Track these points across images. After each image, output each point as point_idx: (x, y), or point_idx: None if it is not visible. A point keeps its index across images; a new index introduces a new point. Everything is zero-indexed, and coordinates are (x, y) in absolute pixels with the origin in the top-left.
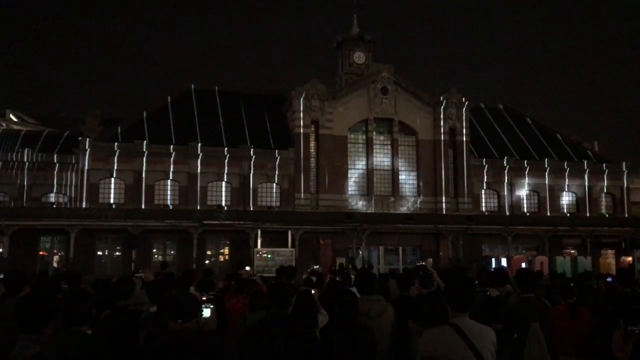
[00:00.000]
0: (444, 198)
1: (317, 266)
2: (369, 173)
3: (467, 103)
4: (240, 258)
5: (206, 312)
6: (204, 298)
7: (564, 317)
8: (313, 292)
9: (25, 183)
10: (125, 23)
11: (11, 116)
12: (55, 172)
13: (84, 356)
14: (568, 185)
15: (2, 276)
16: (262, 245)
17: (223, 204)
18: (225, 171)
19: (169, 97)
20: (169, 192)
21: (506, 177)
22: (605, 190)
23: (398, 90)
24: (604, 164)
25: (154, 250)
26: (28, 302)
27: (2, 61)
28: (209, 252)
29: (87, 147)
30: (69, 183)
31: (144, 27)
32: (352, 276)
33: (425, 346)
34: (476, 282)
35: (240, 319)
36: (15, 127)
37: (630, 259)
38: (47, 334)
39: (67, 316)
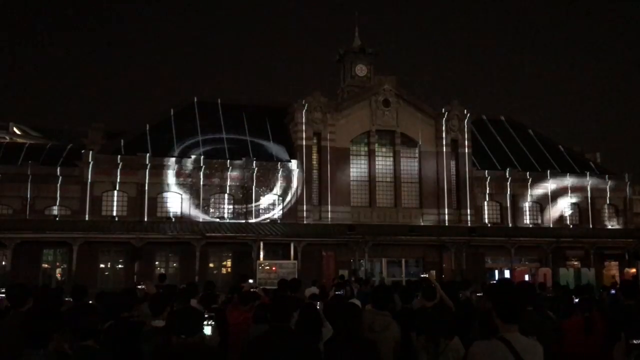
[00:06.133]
0: (446, 210)
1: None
2: (371, 185)
3: (469, 115)
4: (243, 270)
5: (207, 330)
6: (205, 315)
7: (577, 331)
8: (318, 305)
9: (28, 196)
10: (128, 36)
11: (14, 129)
12: (58, 184)
13: None
14: (570, 196)
15: (3, 290)
16: (264, 258)
17: (225, 216)
18: (228, 183)
19: (171, 110)
20: (171, 205)
21: (508, 189)
22: (608, 202)
23: (400, 102)
24: (607, 176)
25: (157, 263)
26: (34, 315)
27: (5, 74)
28: (211, 265)
29: (90, 159)
30: (71, 196)
31: (147, 40)
32: (355, 289)
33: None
34: (480, 294)
35: (244, 332)
36: (18, 140)
37: (634, 270)
38: (52, 348)
39: (75, 330)
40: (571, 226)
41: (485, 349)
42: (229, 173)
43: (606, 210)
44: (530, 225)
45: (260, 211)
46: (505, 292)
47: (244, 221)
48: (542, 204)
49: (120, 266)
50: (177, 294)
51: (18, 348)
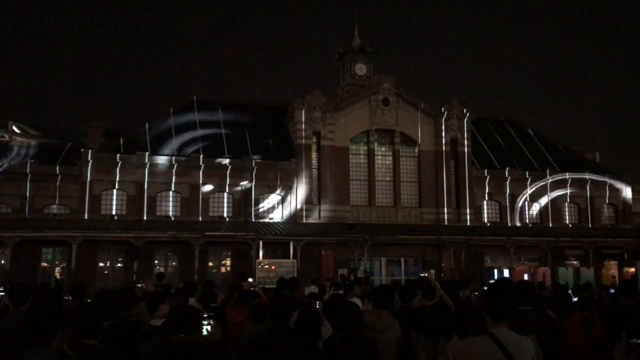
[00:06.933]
0: (445, 209)
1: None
2: (371, 184)
3: (468, 114)
4: (242, 269)
5: (205, 331)
6: (205, 315)
7: (577, 330)
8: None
9: (27, 194)
10: (127, 35)
11: (14, 128)
12: (57, 183)
13: None
14: (570, 196)
15: (2, 289)
16: (264, 257)
17: (225, 215)
18: (227, 182)
19: (171, 109)
20: (170, 204)
21: (508, 188)
22: (607, 201)
23: (399, 101)
24: (606, 175)
25: (156, 262)
26: (37, 314)
27: (5, 73)
28: (210, 264)
29: (89, 158)
30: (71, 194)
31: (146, 39)
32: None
33: (462, 355)
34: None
35: (243, 331)
36: (17, 138)
37: (633, 270)
38: (54, 347)
39: (79, 329)
40: (570, 225)
41: (471, 344)
42: (228, 172)
43: (605, 210)
44: (530, 225)
45: (260, 210)
46: (494, 291)
47: (243, 220)
48: (541, 203)
49: (119, 265)
50: (175, 293)
51: (19, 347)
